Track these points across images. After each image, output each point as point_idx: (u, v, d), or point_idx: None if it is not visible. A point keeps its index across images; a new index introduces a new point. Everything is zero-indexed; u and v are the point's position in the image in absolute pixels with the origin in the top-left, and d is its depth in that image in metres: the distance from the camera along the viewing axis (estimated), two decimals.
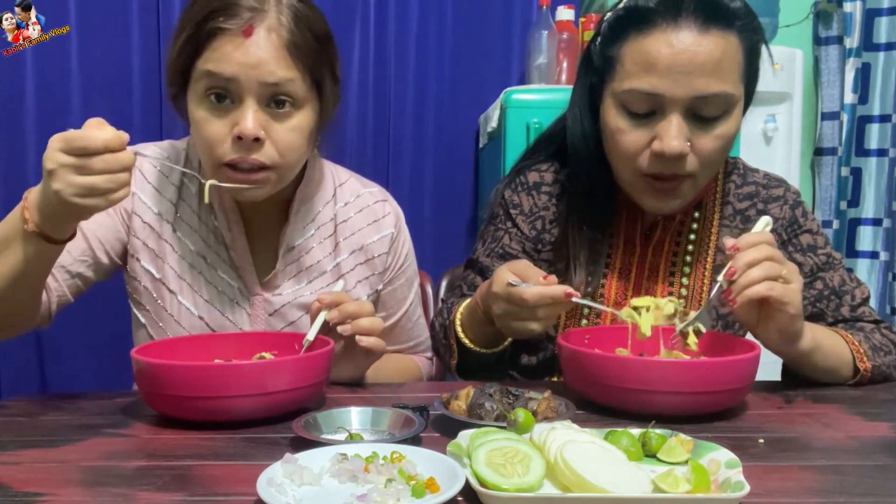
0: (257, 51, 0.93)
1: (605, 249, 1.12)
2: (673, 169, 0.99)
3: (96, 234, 1.06)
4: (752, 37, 0.99)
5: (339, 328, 0.96)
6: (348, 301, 0.98)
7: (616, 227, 1.13)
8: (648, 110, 0.98)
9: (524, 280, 0.93)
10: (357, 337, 0.96)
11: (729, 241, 0.90)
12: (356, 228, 1.15)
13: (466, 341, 1.07)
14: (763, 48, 1.02)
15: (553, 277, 0.94)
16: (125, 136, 0.81)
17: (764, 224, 0.98)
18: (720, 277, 0.89)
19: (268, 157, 0.96)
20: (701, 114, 0.97)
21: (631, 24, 0.98)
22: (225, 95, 0.95)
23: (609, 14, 1.03)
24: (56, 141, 0.80)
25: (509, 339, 1.08)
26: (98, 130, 0.80)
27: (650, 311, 0.94)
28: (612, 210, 1.12)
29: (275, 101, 0.96)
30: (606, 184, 1.10)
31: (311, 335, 0.95)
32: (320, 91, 1.01)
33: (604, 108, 1.04)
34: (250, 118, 0.94)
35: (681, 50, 0.94)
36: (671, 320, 0.94)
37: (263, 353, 0.97)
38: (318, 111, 1.02)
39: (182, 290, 1.08)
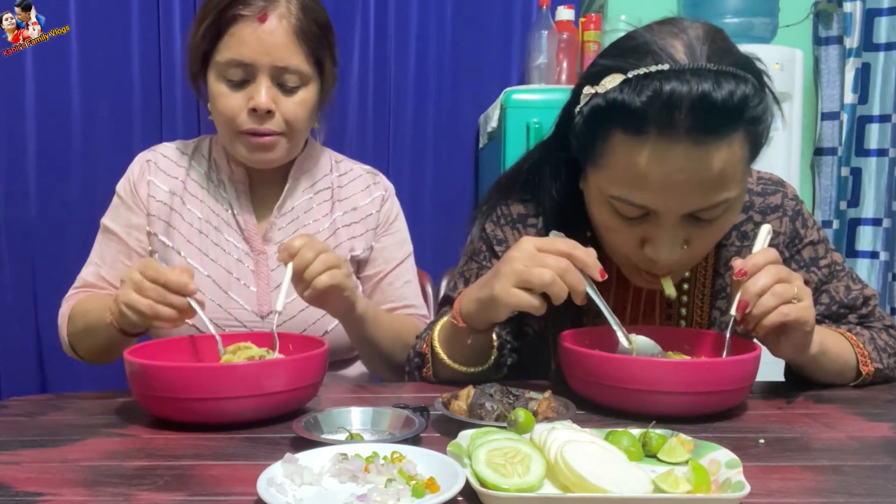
0: (270, 37, 1.10)
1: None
2: (665, 269, 0.93)
3: (133, 237, 1.23)
4: (759, 125, 0.85)
5: (297, 289, 0.99)
6: (300, 246, 0.98)
7: (608, 266, 0.97)
8: (640, 215, 0.88)
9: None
10: (314, 283, 0.97)
11: (737, 264, 0.87)
12: (351, 193, 1.30)
13: (443, 356, 0.99)
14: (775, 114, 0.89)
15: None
16: (191, 287, 0.93)
17: (765, 234, 0.94)
18: (733, 311, 0.86)
19: (278, 126, 1.14)
20: (699, 216, 0.88)
21: (616, 120, 0.85)
22: (243, 75, 1.11)
23: (588, 93, 0.88)
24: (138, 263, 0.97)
25: (492, 356, 0.99)
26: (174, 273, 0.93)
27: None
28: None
29: (283, 78, 1.12)
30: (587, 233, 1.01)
31: (281, 301, 0.97)
32: (321, 70, 1.18)
33: (589, 194, 0.94)
34: (264, 94, 1.11)
35: (676, 169, 0.82)
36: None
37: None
38: (320, 88, 1.19)
39: (191, 253, 1.21)
